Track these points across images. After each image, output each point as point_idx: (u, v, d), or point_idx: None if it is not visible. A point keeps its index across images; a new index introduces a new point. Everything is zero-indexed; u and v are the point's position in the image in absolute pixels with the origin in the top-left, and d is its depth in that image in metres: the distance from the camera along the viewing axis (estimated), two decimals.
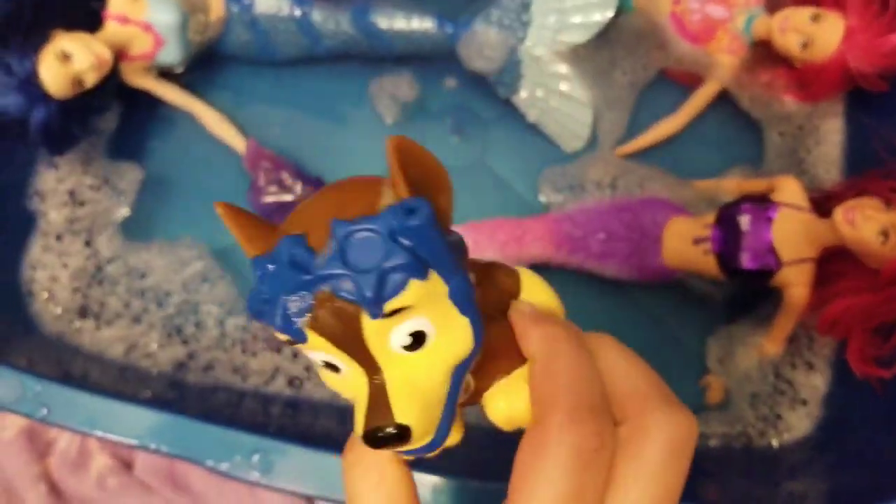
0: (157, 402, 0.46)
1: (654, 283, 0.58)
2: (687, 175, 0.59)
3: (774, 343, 0.54)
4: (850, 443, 0.52)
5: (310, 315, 0.20)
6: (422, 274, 0.20)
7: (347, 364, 0.21)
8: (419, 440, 0.21)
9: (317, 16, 0.60)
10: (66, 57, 0.52)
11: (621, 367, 0.24)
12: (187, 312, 0.56)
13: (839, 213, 0.48)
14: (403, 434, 0.20)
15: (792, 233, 0.51)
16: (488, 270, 0.25)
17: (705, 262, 0.53)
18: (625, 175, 0.59)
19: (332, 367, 0.21)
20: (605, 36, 0.60)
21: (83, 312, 0.56)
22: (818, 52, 0.55)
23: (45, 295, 0.56)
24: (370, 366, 0.21)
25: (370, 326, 0.20)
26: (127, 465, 0.55)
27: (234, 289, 0.56)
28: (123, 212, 0.58)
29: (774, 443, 0.54)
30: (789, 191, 0.52)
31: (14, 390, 0.44)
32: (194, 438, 0.44)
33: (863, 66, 0.54)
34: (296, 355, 0.55)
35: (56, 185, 0.58)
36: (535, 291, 0.26)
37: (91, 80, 0.53)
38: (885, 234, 0.46)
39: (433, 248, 0.20)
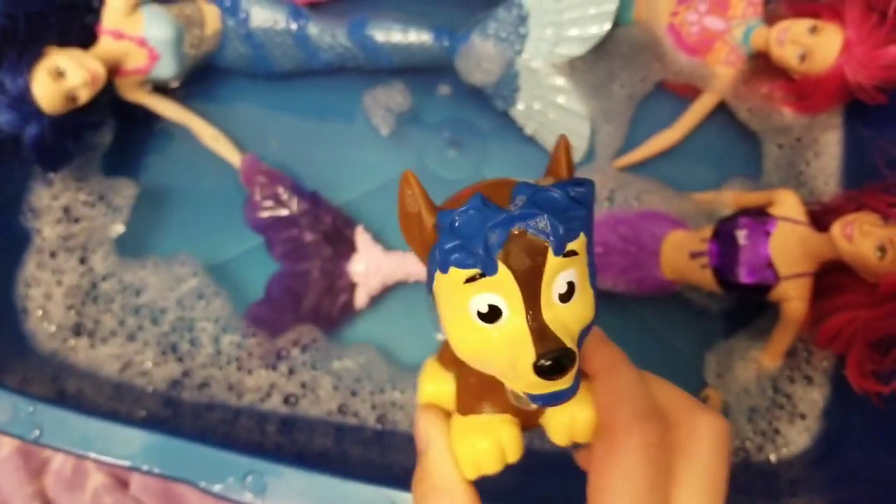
0: (151, 423, 0.46)
1: (653, 295, 0.57)
2: (685, 187, 0.59)
3: (772, 357, 0.54)
4: (848, 458, 0.52)
5: (504, 247, 0.23)
6: (588, 230, 0.25)
7: (514, 305, 0.24)
8: (571, 374, 0.24)
9: (313, 29, 0.60)
10: (59, 73, 0.52)
11: (657, 382, 0.28)
12: (182, 329, 0.55)
13: (837, 228, 0.47)
14: (571, 356, 0.23)
15: (790, 247, 0.50)
16: None
17: (703, 275, 0.53)
18: (622, 188, 0.58)
19: (490, 316, 0.24)
20: (603, 48, 0.60)
21: (78, 330, 0.55)
22: (816, 64, 0.55)
23: (40, 312, 0.55)
24: (536, 306, 0.24)
25: (551, 264, 0.24)
26: (123, 484, 0.55)
27: (229, 305, 0.56)
28: (118, 228, 0.57)
29: (773, 458, 0.54)
30: (787, 204, 0.52)
31: (6, 411, 0.44)
32: (187, 460, 0.43)
33: (861, 78, 0.54)
34: (291, 371, 0.54)
35: (50, 202, 0.57)
36: None
37: (84, 96, 0.53)
38: (882, 249, 0.46)
39: (591, 219, 0.25)
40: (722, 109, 0.61)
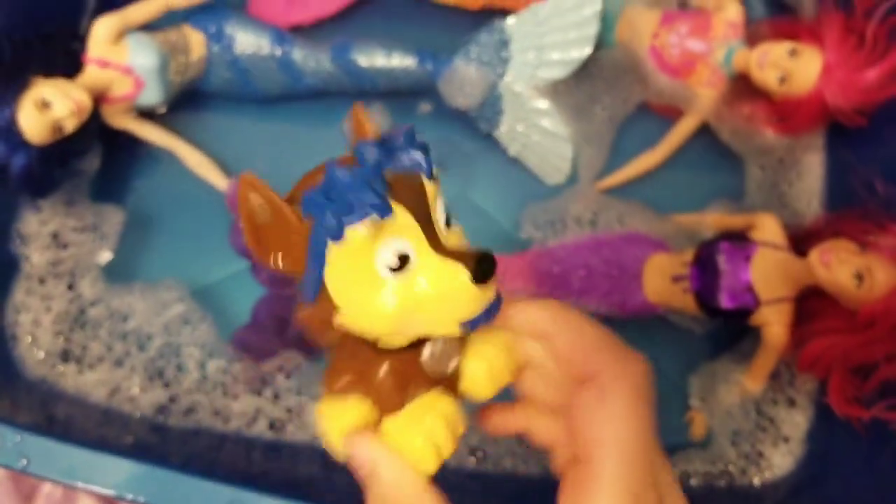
0: (137, 452, 0.46)
1: (636, 318, 0.58)
2: (668, 209, 0.59)
3: (755, 381, 0.54)
4: (831, 481, 0.52)
5: (390, 188, 0.24)
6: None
7: (419, 244, 0.25)
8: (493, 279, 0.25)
9: (297, 54, 0.60)
10: (45, 104, 0.52)
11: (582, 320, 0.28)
12: (169, 355, 0.56)
13: (815, 255, 0.48)
14: (491, 254, 0.25)
15: (770, 272, 0.50)
16: None
17: (684, 299, 0.53)
18: (605, 210, 0.59)
19: (400, 266, 0.24)
20: (586, 70, 0.60)
21: (66, 356, 0.56)
22: (796, 86, 0.55)
23: (29, 339, 0.56)
24: (435, 236, 0.25)
25: (429, 190, 0.25)
26: None
27: (215, 330, 0.56)
28: (106, 255, 0.58)
29: (756, 481, 0.54)
30: (768, 229, 0.52)
31: None
32: (173, 489, 0.44)
33: (840, 101, 0.54)
34: (277, 396, 0.55)
35: (39, 228, 0.58)
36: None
37: (71, 126, 0.53)
38: (859, 277, 0.46)
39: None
40: (704, 131, 0.61)
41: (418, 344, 0.27)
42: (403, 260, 0.24)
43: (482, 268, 0.24)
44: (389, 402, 0.28)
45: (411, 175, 0.25)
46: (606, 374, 0.26)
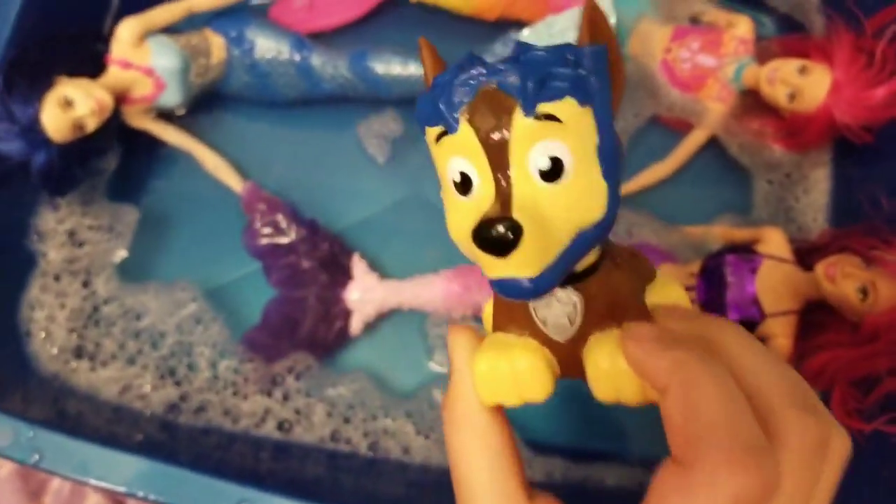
0: (147, 449, 0.47)
1: None
2: (676, 220, 0.60)
3: None
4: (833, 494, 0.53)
5: (469, 104, 0.21)
6: (581, 97, 0.21)
7: (482, 172, 0.22)
8: (527, 258, 0.21)
9: (316, 60, 0.61)
10: (67, 103, 0.53)
11: (751, 363, 0.22)
12: (181, 354, 0.57)
13: (820, 269, 0.49)
14: (515, 231, 0.20)
15: (775, 285, 0.51)
16: (631, 252, 0.26)
17: None
18: None
19: (463, 187, 0.22)
20: None
21: (79, 353, 0.57)
22: (805, 103, 0.56)
23: (43, 334, 0.57)
24: (505, 174, 0.21)
25: (520, 125, 0.21)
26: None
27: (227, 331, 0.57)
28: (121, 253, 0.59)
29: None
30: (774, 243, 0.53)
31: (7, 436, 0.45)
32: (182, 487, 0.44)
33: (848, 118, 0.55)
34: (286, 397, 0.56)
35: (56, 226, 0.59)
36: (667, 290, 0.26)
37: (92, 125, 0.54)
38: (864, 291, 0.47)
39: (600, 89, 0.22)
40: (713, 144, 0.62)
41: None
42: (466, 180, 0.22)
43: (484, 233, 0.21)
44: (496, 319, 0.26)
45: (502, 96, 0.21)
46: (708, 470, 0.20)
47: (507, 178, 0.21)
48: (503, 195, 0.21)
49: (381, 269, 0.59)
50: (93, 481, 0.45)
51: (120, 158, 0.61)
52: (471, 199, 0.22)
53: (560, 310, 0.24)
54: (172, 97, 0.60)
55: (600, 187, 0.22)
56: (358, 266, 0.58)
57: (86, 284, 0.58)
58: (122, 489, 0.44)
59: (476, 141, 0.21)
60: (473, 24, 0.64)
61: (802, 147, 0.59)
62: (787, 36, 0.63)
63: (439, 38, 0.64)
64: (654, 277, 0.27)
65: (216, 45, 0.61)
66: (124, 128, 0.60)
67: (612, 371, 0.23)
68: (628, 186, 0.61)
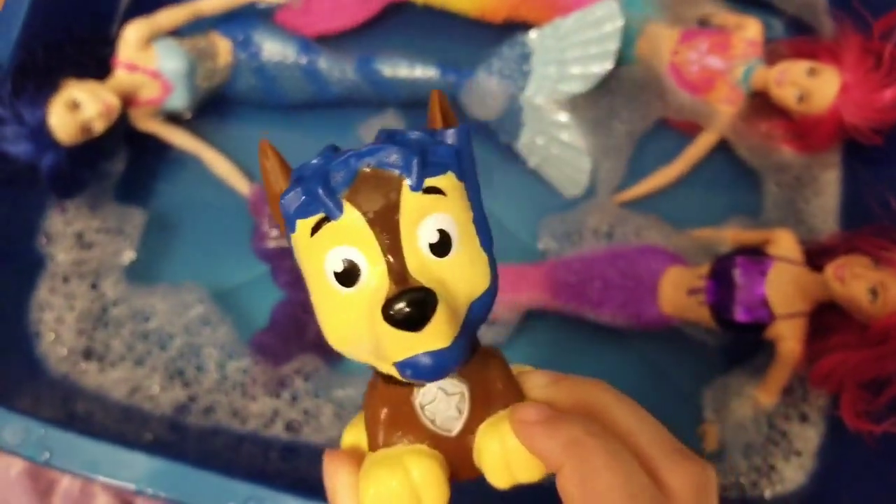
0: (157, 448, 0.47)
1: (651, 330, 0.58)
2: (685, 223, 0.60)
3: (768, 395, 0.54)
4: (842, 495, 0.53)
5: (351, 186, 0.21)
6: (458, 171, 0.22)
7: (371, 255, 0.21)
8: (440, 327, 0.20)
9: (322, 63, 0.61)
10: (75, 105, 0.53)
11: (631, 423, 0.23)
12: (189, 355, 0.57)
13: (830, 270, 0.48)
14: (432, 299, 0.20)
15: (785, 287, 0.51)
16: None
17: (700, 312, 0.54)
18: (622, 223, 0.59)
19: (347, 277, 0.21)
20: (606, 85, 0.61)
21: (88, 354, 0.57)
22: (814, 105, 0.56)
23: (52, 336, 0.57)
24: (396, 254, 0.21)
25: (409, 201, 0.21)
26: None
27: (235, 332, 0.57)
28: (129, 255, 0.59)
29: (768, 493, 0.54)
30: (784, 244, 0.53)
31: (18, 434, 0.45)
32: (191, 485, 0.44)
33: (857, 120, 0.55)
34: (294, 398, 0.56)
35: (64, 228, 0.59)
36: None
37: (99, 127, 0.54)
38: (874, 292, 0.47)
39: (470, 165, 0.23)
40: (722, 147, 0.62)
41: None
42: (352, 269, 0.21)
43: (397, 307, 0.20)
44: (373, 434, 0.24)
45: (387, 174, 0.21)
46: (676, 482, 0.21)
47: (400, 257, 0.21)
48: (398, 274, 0.21)
49: None
50: (102, 479, 0.45)
51: (127, 161, 0.61)
52: (358, 289, 0.21)
53: (447, 402, 0.23)
54: (179, 100, 0.60)
55: (482, 258, 0.22)
56: None
57: (94, 286, 0.58)
58: (131, 486, 0.44)
59: (363, 222, 0.21)
60: (480, 26, 0.65)
61: (812, 149, 0.59)
62: (795, 38, 0.63)
63: (446, 40, 0.65)
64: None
65: (223, 48, 0.61)
66: (132, 131, 0.60)
67: (508, 453, 0.22)
68: (637, 190, 0.61)
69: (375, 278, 0.21)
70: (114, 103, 0.55)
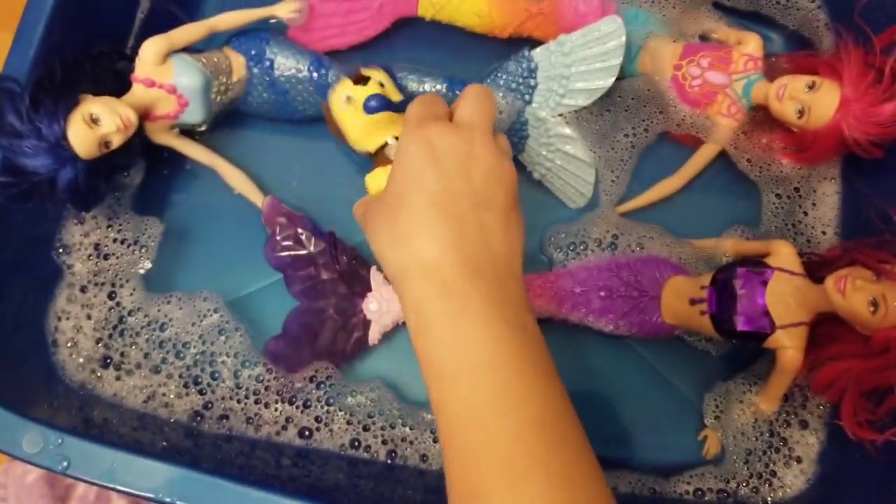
0: (173, 455, 0.49)
1: (654, 338, 0.59)
2: (686, 234, 0.61)
3: (769, 402, 0.56)
4: (843, 501, 0.54)
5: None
6: None
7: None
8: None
9: (333, 77, 0.63)
10: (93, 120, 0.55)
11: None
12: (204, 363, 0.58)
13: (830, 282, 0.49)
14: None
15: (786, 297, 0.52)
16: None
17: (701, 322, 0.55)
18: (625, 233, 0.61)
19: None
20: (609, 99, 0.62)
21: (105, 362, 0.58)
22: (814, 119, 0.57)
23: (70, 344, 0.58)
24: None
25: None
26: None
27: (249, 340, 0.59)
28: (145, 265, 0.61)
29: (768, 500, 0.55)
30: (783, 255, 0.54)
31: (37, 443, 0.47)
32: (207, 492, 0.46)
33: (857, 134, 0.56)
34: (307, 405, 0.57)
35: (81, 239, 0.60)
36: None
37: (117, 141, 0.56)
38: (874, 304, 0.48)
39: None
40: (722, 159, 0.63)
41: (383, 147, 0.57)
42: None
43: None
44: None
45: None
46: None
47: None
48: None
49: None
50: (120, 488, 0.46)
51: (144, 173, 0.62)
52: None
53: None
54: (194, 115, 0.61)
55: None
56: (376, 278, 0.60)
57: (111, 296, 0.60)
58: (149, 495, 0.46)
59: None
60: (486, 41, 0.66)
61: (812, 161, 0.61)
62: (795, 53, 0.64)
63: (454, 55, 0.66)
64: None
65: (237, 63, 0.63)
66: (148, 144, 0.61)
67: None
68: (640, 200, 0.63)
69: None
70: (131, 118, 0.56)
